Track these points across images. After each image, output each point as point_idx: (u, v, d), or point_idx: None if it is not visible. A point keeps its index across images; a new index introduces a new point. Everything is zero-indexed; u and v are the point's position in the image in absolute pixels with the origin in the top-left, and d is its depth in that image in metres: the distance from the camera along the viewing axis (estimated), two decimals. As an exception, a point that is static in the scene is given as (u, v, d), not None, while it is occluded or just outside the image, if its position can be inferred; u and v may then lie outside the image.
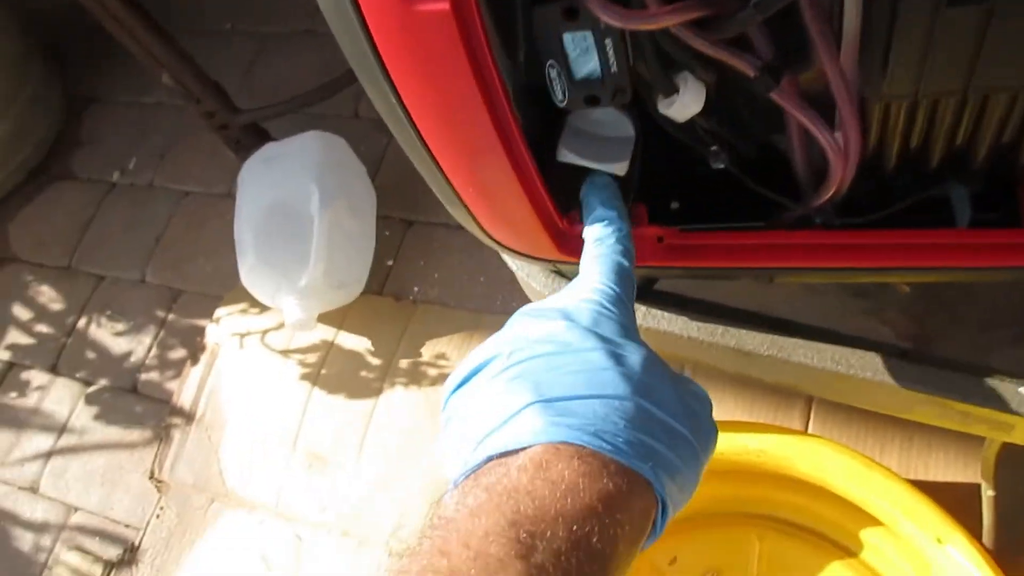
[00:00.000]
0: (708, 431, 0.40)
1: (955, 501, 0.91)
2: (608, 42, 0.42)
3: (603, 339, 0.39)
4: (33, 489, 1.39)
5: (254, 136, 1.43)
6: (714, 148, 0.48)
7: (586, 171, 0.49)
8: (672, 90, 0.44)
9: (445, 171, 0.45)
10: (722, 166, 0.49)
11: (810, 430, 1.07)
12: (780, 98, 0.43)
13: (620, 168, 0.48)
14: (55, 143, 1.79)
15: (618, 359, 0.38)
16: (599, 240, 0.46)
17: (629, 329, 0.41)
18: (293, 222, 1.24)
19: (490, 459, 0.35)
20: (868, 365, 0.52)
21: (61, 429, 1.42)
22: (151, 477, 1.29)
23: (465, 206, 0.49)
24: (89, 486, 1.35)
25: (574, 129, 0.49)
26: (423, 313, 1.30)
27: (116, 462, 1.35)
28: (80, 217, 1.68)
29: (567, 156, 0.48)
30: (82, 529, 1.31)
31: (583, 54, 0.42)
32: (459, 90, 0.39)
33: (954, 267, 0.48)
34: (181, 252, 1.54)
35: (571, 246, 0.50)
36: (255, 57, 1.74)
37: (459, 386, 0.40)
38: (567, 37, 0.42)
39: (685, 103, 0.44)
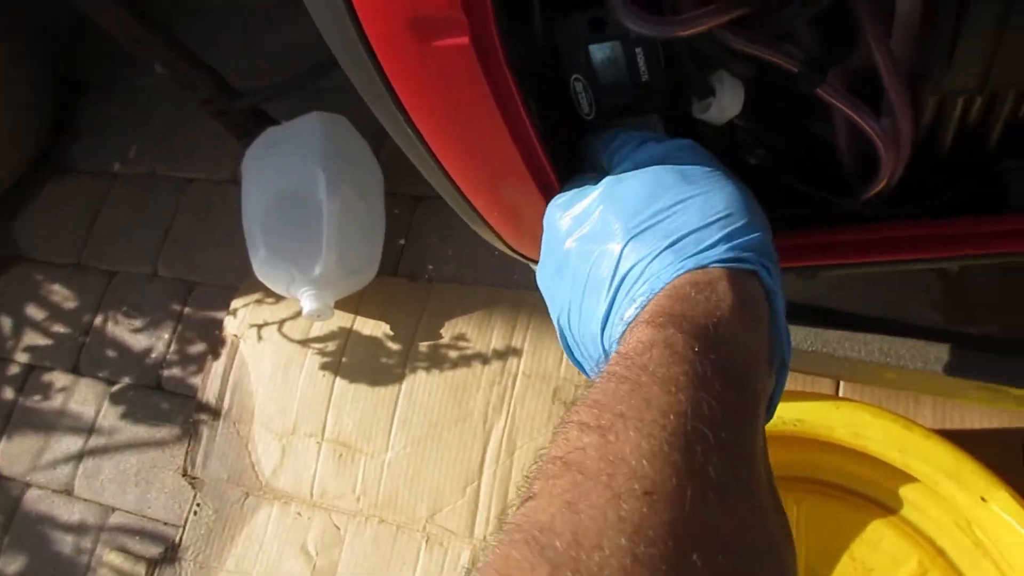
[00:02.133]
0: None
1: (995, 450, 0.90)
2: (639, 51, 0.38)
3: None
4: (68, 492, 1.39)
5: (255, 120, 1.39)
6: (753, 148, 0.45)
7: None
8: (708, 92, 0.42)
9: (468, 197, 0.43)
10: (757, 162, 0.46)
11: (842, 390, 1.06)
12: (825, 92, 0.40)
13: None
14: (52, 135, 1.76)
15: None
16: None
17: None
18: (301, 210, 1.21)
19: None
20: (918, 355, 0.50)
21: (90, 430, 1.43)
22: (184, 474, 1.30)
23: (490, 226, 0.46)
24: (124, 486, 1.36)
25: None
26: (440, 292, 1.28)
27: (148, 460, 1.36)
28: (85, 211, 1.65)
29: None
30: (122, 529, 1.32)
31: (611, 65, 0.39)
32: (481, 121, 0.36)
33: (1008, 253, 0.46)
34: (191, 243, 1.51)
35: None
36: (249, 32, 1.68)
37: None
38: (593, 49, 0.39)
39: (723, 105, 0.41)
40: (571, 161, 0.46)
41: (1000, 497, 0.81)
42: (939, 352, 0.49)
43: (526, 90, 0.40)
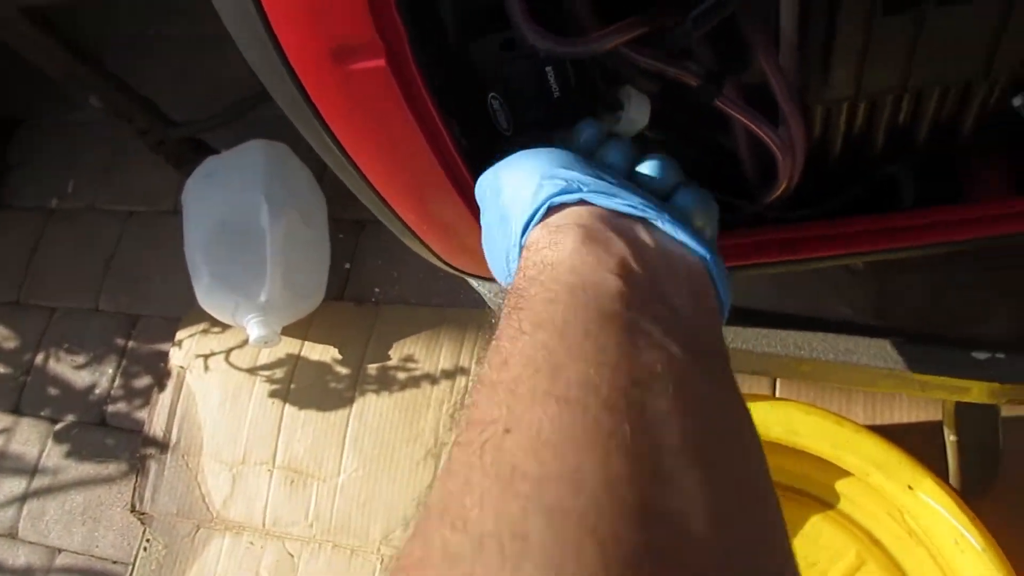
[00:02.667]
0: None
1: (922, 442, 0.95)
2: (549, 69, 0.41)
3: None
4: (12, 535, 1.36)
5: (194, 150, 1.40)
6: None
7: None
8: (617, 106, 0.44)
9: (398, 213, 0.45)
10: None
11: (778, 391, 1.10)
12: (724, 104, 0.43)
13: None
14: (-15, 173, 1.73)
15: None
16: None
17: None
18: (244, 237, 1.22)
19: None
20: (830, 347, 0.53)
21: (33, 470, 1.40)
22: (132, 510, 1.28)
23: (421, 240, 0.48)
24: (70, 526, 1.33)
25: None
26: (387, 314, 1.29)
27: (95, 498, 1.33)
28: (22, 248, 1.63)
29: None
30: (69, 571, 1.30)
31: (523, 83, 0.42)
32: (404, 139, 0.38)
33: (907, 247, 0.50)
34: (133, 275, 1.50)
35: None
36: (186, 62, 1.68)
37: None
38: (506, 67, 0.41)
39: (632, 118, 0.44)
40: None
41: (926, 485, 0.85)
42: (848, 344, 0.53)
43: (449, 108, 0.43)
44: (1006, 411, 0.88)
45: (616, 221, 0.36)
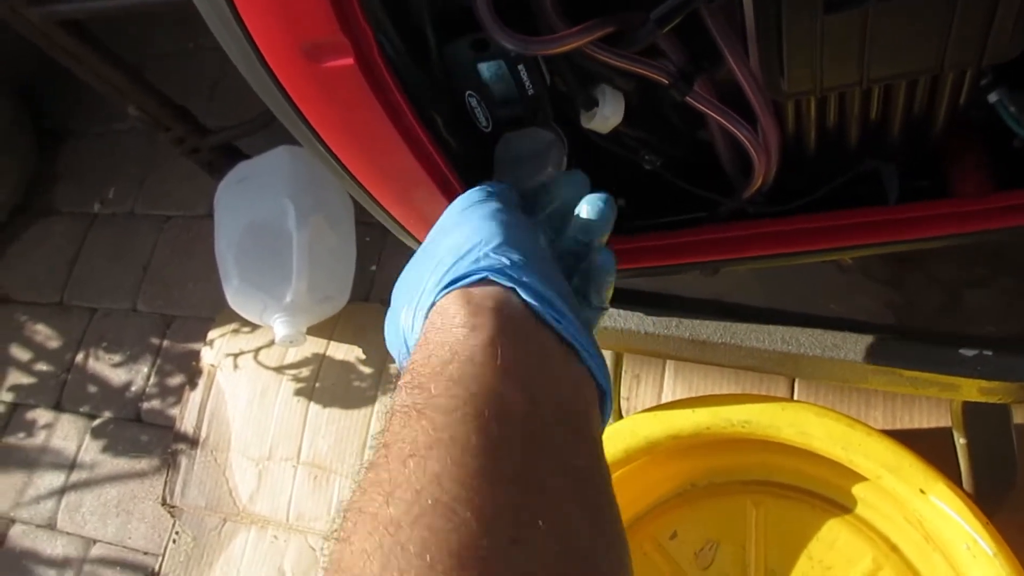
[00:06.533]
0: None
1: (943, 447, 0.93)
2: (521, 68, 0.43)
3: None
4: (51, 526, 1.42)
5: (227, 156, 1.44)
6: (644, 154, 0.49)
7: None
8: (592, 103, 0.46)
9: (383, 205, 0.47)
10: (651, 168, 0.51)
11: (796, 392, 1.09)
12: (696, 101, 0.45)
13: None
14: (33, 180, 1.81)
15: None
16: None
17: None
18: (272, 240, 1.25)
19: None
20: (817, 343, 0.53)
21: (71, 464, 1.45)
22: (163, 503, 1.32)
23: (410, 233, 0.50)
24: (105, 518, 1.38)
25: (503, 155, 0.49)
26: (410, 315, 1.32)
27: (128, 492, 1.38)
28: (67, 252, 1.70)
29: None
30: (102, 560, 1.34)
31: (499, 81, 0.44)
32: (380, 135, 0.40)
33: (888, 241, 0.50)
34: (169, 278, 1.55)
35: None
36: (221, 73, 1.74)
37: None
38: (481, 67, 0.43)
39: (606, 115, 0.45)
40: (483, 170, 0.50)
41: (938, 489, 0.84)
42: (835, 339, 0.53)
43: (430, 106, 0.45)
44: (1022, 417, 0.86)
45: (534, 324, 0.35)
